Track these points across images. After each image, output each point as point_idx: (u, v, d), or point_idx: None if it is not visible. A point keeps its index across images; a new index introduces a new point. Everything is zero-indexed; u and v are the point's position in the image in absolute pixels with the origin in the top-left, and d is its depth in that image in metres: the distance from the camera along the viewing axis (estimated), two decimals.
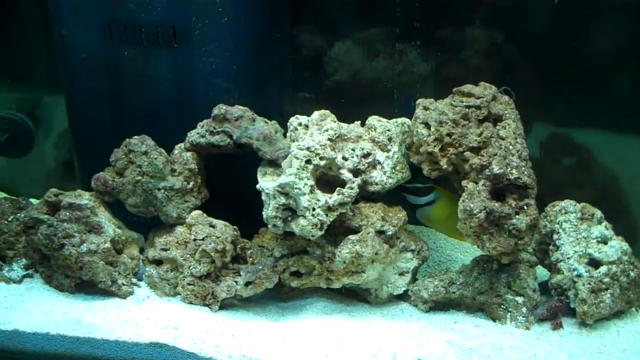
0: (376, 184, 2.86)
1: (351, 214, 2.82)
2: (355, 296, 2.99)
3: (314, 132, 2.82)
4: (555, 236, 2.91)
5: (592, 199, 3.04)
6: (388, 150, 2.90)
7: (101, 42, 2.97)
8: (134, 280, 2.95)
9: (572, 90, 3.23)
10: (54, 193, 2.93)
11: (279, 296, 2.98)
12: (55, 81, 3.39)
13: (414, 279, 2.95)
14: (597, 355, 2.63)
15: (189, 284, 2.83)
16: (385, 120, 2.95)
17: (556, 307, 2.78)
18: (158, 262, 2.93)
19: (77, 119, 3.24)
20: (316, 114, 2.89)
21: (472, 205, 2.67)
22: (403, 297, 2.96)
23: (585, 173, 3.36)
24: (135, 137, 2.92)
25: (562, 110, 3.29)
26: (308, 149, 2.75)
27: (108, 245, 2.87)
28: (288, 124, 2.94)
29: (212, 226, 2.88)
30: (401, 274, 2.92)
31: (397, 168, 2.90)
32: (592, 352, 2.65)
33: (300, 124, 2.90)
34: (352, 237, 2.79)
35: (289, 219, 2.76)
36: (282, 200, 2.73)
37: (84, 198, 2.91)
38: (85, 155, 3.28)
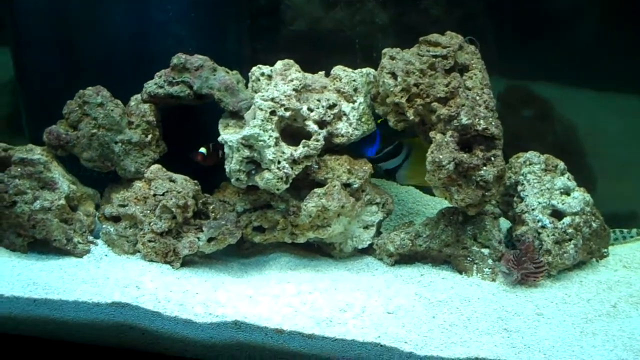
0: (342, 135, 2.80)
1: (317, 166, 2.76)
2: (318, 251, 2.94)
3: (278, 82, 2.73)
4: (519, 187, 2.90)
5: (551, 152, 3.04)
6: (354, 101, 2.83)
7: None
8: (90, 238, 2.84)
9: (531, 42, 3.21)
10: (3, 148, 2.77)
11: (241, 252, 2.92)
12: None
13: (378, 233, 2.92)
14: (562, 305, 2.64)
15: (149, 241, 2.73)
16: (350, 70, 2.88)
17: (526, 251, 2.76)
18: (116, 219, 2.83)
19: (25, 71, 3.08)
20: (280, 64, 2.80)
21: (441, 157, 2.64)
22: (367, 250, 2.92)
23: (544, 125, 3.36)
24: (90, 88, 2.79)
25: (521, 62, 3.26)
26: (272, 99, 2.66)
27: (62, 202, 2.75)
28: (250, 74, 2.85)
29: (173, 181, 2.78)
30: (366, 227, 2.88)
31: (363, 119, 2.84)
32: (557, 302, 2.66)
33: (263, 74, 2.81)
34: (318, 190, 2.73)
35: (253, 172, 2.68)
36: (246, 153, 2.65)
37: (36, 153, 2.77)
38: (35, 108, 3.13)
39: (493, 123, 2.70)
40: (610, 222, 3.01)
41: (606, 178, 3.30)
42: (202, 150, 2.82)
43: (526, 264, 2.70)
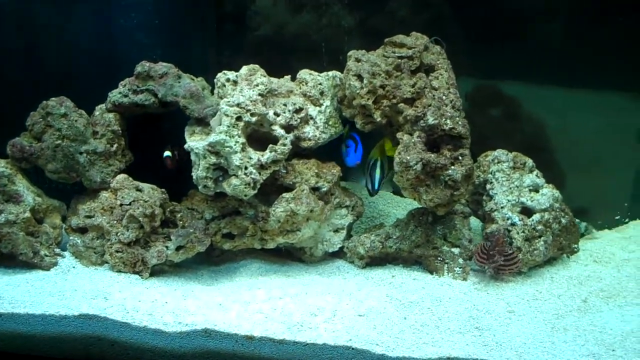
0: (309, 139, 2.79)
1: (284, 171, 2.74)
2: (289, 256, 2.93)
3: (244, 87, 2.71)
4: (488, 186, 2.91)
5: (520, 149, 3.06)
6: (320, 105, 2.82)
7: None
8: (57, 250, 2.81)
9: (498, 41, 3.21)
10: None
11: (211, 260, 2.90)
12: None
13: (348, 236, 2.91)
14: (533, 302, 2.65)
15: (117, 252, 2.70)
16: (316, 73, 2.88)
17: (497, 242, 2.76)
18: (82, 230, 2.79)
19: None
20: (245, 69, 2.78)
21: (408, 158, 2.63)
22: (338, 254, 2.91)
23: (513, 123, 3.36)
24: (53, 98, 2.75)
25: (488, 61, 3.26)
26: (238, 105, 2.65)
27: (28, 214, 2.71)
28: (215, 80, 2.82)
29: (139, 190, 2.75)
30: (336, 230, 2.87)
31: (330, 122, 2.84)
32: (528, 299, 2.67)
33: (228, 80, 2.79)
34: (286, 195, 2.71)
35: (220, 179, 2.66)
36: (213, 159, 2.63)
37: (0, 166, 2.72)
38: None
39: (460, 122, 2.70)
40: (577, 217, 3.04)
41: (575, 174, 3.31)
42: (168, 153, 2.79)
43: (496, 257, 2.70)
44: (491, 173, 2.91)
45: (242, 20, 3.28)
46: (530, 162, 2.97)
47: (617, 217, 3.29)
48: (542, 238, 2.80)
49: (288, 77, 2.88)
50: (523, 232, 2.79)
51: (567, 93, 3.27)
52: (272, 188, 2.76)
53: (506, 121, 3.37)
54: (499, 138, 3.29)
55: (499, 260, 2.70)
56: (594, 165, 3.33)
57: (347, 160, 2.88)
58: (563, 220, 2.89)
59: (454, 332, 2.42)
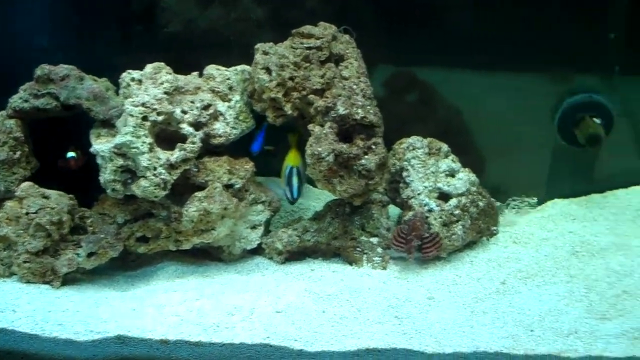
0: (220, 136, 2.74)
1: (196, 169, 2.69)
2: (208, 256, 2.87)
3: (149, 86, 2.64)
4: (404, 173, 2.89)
5: (438, 135, 3.05)
6: (229, 100, 2.77)
7: None
8: None
9: (411, 28, 3.20)
10: None
11: (127, 265, 2.82)
12: None
13: (267, 231, 2.86)
14: (453, 287, 2.65)
15: (25, 262, 2.60)
16: (224, 69, 2.82)
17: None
18: None
19: None
20: (149, 67, 2.71)
21: (319, 149, 2.60)
22: (257, 251, 2.86)
23: (429, 109, 3.35)
24: None
25: (403, 48, 3.25)
26: (143, 104, 2.58)
27: None
28: (120, 80, 2.75)
29: (46, 197, 2.66)
30: (253, 227, 2.82)
31: (241, 118, 2.79)
32: (448, 284, 2.67)
33: (133, 79, 2.71)
34: (198, 194, 2.66)
35: (129, 181, 2.59)
36: (120, 161, 2.56)
37: None
38: None
39: (371, 111, 2.68)
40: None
41: (494, 156, 3.33)
42: (71, 154, 2.72)
43: (413, 242, 2.69)
44: (407, 160, 2.90)
45: (150, 18, 3.20)
46: (445, 147, 2.97)
47: (536, 198, 3.31)
48: (460, 222, 2.80)
49: (195, 73, 2.83)
50: (440, 217, 2.78)
51: (483, 76, 3.27)
52: (184, 188, 2.70)
53: (424, 107, 3.35)
54: (418, 124, 3.27)
55: (415, 244, 2.69)
56: (511, 147, 3.34)
57: (251, 147, 2.84)
58: (480, 204, 2.90)
59: (373, 323, 2.40)
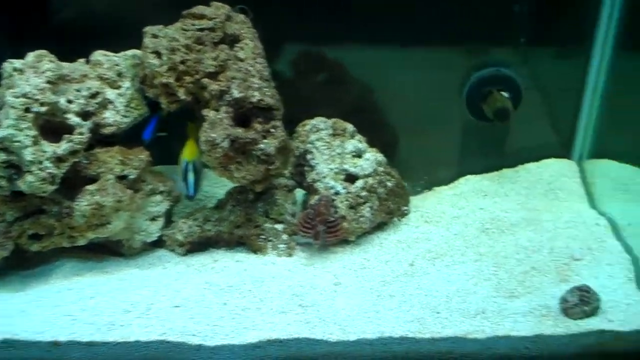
0: (110, 125, 2.60)
1: (86, 161, 2.55)
2: (108, 251, 2.73)
3: (31, 76, 2.49)
4: (309, 156, 2.81)
5: (348, 114, 2.98)
6: (119, 87, 2.64)
7: None
8: None
9: (318, 6, 3.11)
10: None
11: (23, 264, 2.67)
12: None
13: (168, 222, 2.75)
14: (360, 271, 2.59)
15: None
16: (112, 54, 2.68)
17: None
18: None
19: None
20: (31, 55, 2.55)
21: (214, 135, 2.49)
22: (160, 243, 2.74)
23: (339, 89, 3.27)
24: None
25: (310, 27, 3.16)
26: (25, 95, 2.43)
27: None
28: (1, 70, 2.58)
29: None
30: (153, 219, 2.69)
31: (132, 105, 2.66)
32: (355, 268, 2.60)
33: (15, 69, 2.54)
34: (89, 187, 2.53)
35: (15, 177, 2.45)
36: (3, 156, 2.41)
37: None
38: None
39: (268, 93, 2.58)
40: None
41: (406, 134, 3.27)
42: None
43: (318, 227, 2.61)
44: (311, 142, 2.82)
45: (41, 5, 3.04)
46: (350, 127, 2.89)
47: (448, 174, 3.26)
48: (367, 204, 2.74)
49: (82, 60, 2.68)
50: (347, 200, 2.71)
51: (391, 52, 3.19)
52: (76, 181, 2.56)
53: (333, 86, 3.27)
54: (326, 105, 3.19)
55: (320, 230, 2.61)
56: (423, 124, 3.29)
57: (142, 134, 2.72)
58: (389, 184, 2.83)
59: (276, 313, 2.33)
